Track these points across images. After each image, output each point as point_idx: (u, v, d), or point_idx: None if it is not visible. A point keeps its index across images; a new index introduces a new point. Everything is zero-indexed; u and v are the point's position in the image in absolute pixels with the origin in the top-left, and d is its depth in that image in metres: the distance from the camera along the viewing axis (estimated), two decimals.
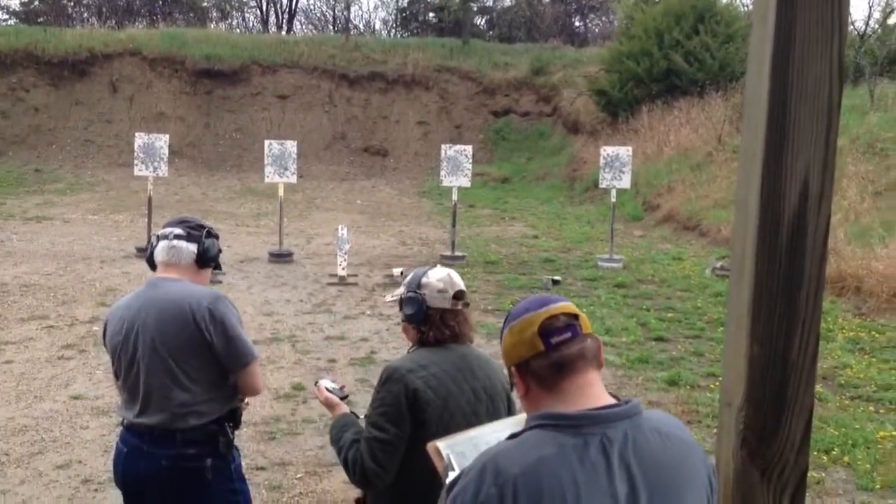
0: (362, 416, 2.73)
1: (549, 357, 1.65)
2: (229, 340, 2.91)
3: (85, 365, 7.17)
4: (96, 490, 4.77)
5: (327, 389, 2.81)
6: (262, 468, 5.13)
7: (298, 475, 5.10)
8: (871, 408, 6.40)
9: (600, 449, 1.54)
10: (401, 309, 2.73)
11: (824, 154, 1.89)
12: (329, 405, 2.80)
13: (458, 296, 2.68)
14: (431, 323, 2.64)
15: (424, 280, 2.69)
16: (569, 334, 1.67)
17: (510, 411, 2.75)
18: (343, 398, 2.81)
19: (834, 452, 5.42)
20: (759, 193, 1.88)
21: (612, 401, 1.65)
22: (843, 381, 7.05)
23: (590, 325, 1.74)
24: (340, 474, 5.05)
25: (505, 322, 1.78)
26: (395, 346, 8.10)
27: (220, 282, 10.10)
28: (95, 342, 7.82)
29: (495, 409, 2.66)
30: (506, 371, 1.78)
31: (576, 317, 1.71)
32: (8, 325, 8.46)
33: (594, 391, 1.65)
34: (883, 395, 6.68)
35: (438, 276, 2.70)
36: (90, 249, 13.23)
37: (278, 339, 8.23)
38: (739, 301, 1.95)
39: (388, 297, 2.86)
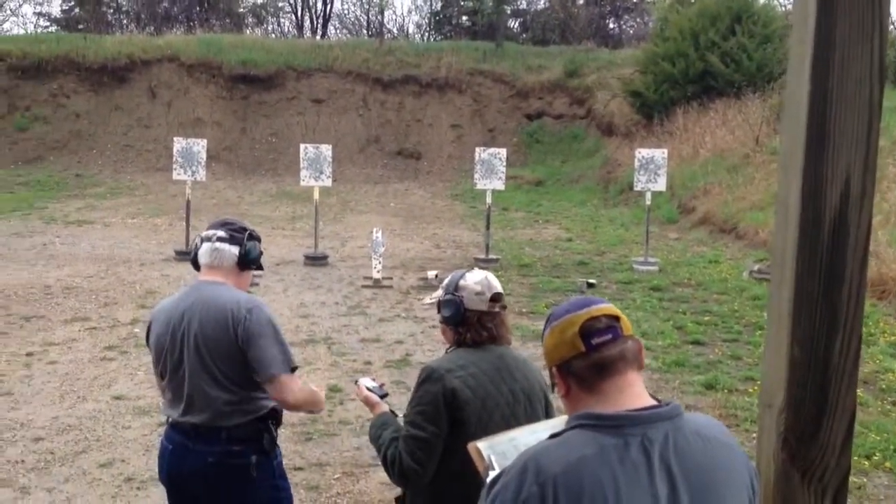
0: (401, 416, 2.76)
1: (589, 358, 1.66)
2: (258, 351, 2.93)
3: (126, 366, 7.30)
4: (139, 488, 4.86)
5: (367, 388, 2.85)
6: (300, 468, 5.18)
7: (336, 476, 5.15)
8: None
9: (641, 449, 1.55)
10: (439, 311, 2.76)
11: (865, 155, 1.88)
12: (369, 404, 2.84)
13: (496, 298, 2.71)
14: (469, 325, 2.67)
15: (462, 283, 2.73)
16: (609, 336, 1.68)
17: (548, 412, 2.76)
18: (382, 397, 2.85)
19: (875, 458, 5.35)
20: (800, 194, 1.88)
21: (653, 402, 1.66)
22: (884, 386, 6.95)
23: (630, 327, 1.75)
24: (377, 475, 5.09)
25: (546, 323, 1.80)
26: (430, 349, 8.13)
27: (256, 284, 10.22)
28: (137, 343, 7.96)
29: (533, 410, 2.68)
30: (546, 371, 1.79)
31: (617, 318, 1.72)
32: (52, 326, 8.64)
33: (635, 392, 1.66)
34: None
35: (476, 279, 2.73)
36: (130, 252, 13.45)
37: (314, 342, 8.30)
38: (780, 303, 1.95)
39: (427, 300, 2.90)
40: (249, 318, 2.93)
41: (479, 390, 2.57)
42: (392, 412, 2.82)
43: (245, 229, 3.14)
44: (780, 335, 1.92)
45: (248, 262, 3.11)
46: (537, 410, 2.70)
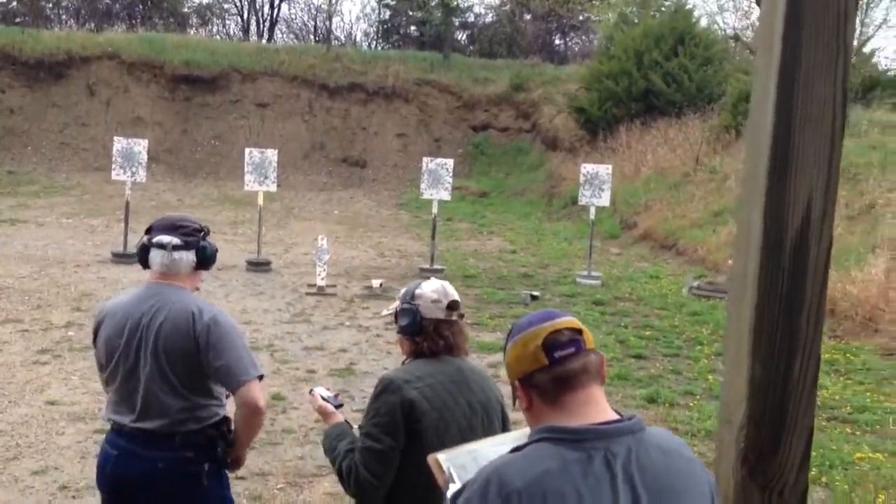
0: (356, 426, 2.73)
1: (552, 371, 1.66)
2: (223, 359, 2.87)
3: (60, 370, 7.08)
4: (73, 497, 4.70)
5: (322, 398, 2.81)
6: (242, 478, 5.07)
7: (279, 485, 5.06)
8: (848, 429, 6.48)
9: (604, 463, 1.55)
10: (396, 321, 2.74)
11: (827, 178, 1.92)
12: (323, 413, 2.79)
13: (453, 306, 2.70)
14: (426, 334, 2.66)
15: (418, 291, 2.72)
16: (572, 349, 1.68)
17: (504, 425, 2.76)
18: (337, 407, 2.81)
19: (812, 473, 5.48)
20: (762, 216, 1.91)
21: (615, 416, 1.66)
22: (819, 403, 7.12)
23: (593, 341, 1.75)
24: (321, 485, 5.02)
25: (509, 335, 1.79)
26: (375, 358, 8.09)
27: (197, 289, 10.00)
28: (71, 347, 7.73)
29: (490, 423, 2.67)
30: (509, 384, 1.78)
31: (580, 332, 1.72)
32: None
33: (597, 406, 1.66)
34: (858, 416, 6.77)
35: (432, 287, 2.73)
36: (65, 253, 13.07)
37: (257, 349, 8.16)
38: (740, 321, 1.97)
39: (385, 312, 2.88)
40: (214, 327, 2.87)
41: (437, 402, 2.56)
42: (346, 422, 2.78)
43: (199, 230, 3.07)
44: (741, 353, 1.94)
45: (206, 263, 3.05)
46: (494, 423, 2.69)
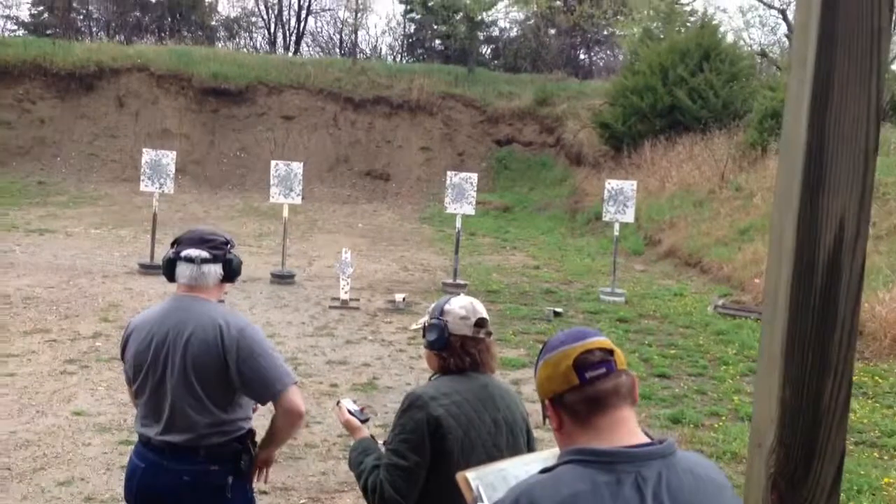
0: (381, 442, 2.72)
1: (583, 392, 1.64)
2: (259, 370, 2.90)
3: (87, 381, 7.14)
4: None
5: (349, 411, 2.81)
6: (265, 493, 5.07)
7: (301, 501, 5.06)
8: (876, 453, 6.38)
9: (634, 487, 1.53)
10: (424, 336, 2.74)
11: (861, 196, 1.89)
12: (350, 427, 2.80)
13: (480, 323, 2.70)
14: (452, 349, 2.66)
15: (447, 307, 2.72)
16: (604, 369, 1.67)
17: (529, 444, 2.75)
18: (364, 421, 2.81)
19: (840, 498, 5.39)
20: (795, 235, 1.89)
21: (646, 439, 1.64)
22: (850, 425, 7.02)
23: (625, 361, 1.74)
24: (344, 501, 5.02)
25: (540, 354, 1.78)
26: (398, 373, 8.09)
27: (222, 301, 10.07)
28: (98, 358, 7.80)
29: (515, 441, 2.66)
30: (536, 402, 1.77)
31: (611, 352, 1.71)
32: (10, 337, 8.43)
33: (628, 428, 1.64)
34: (887, 440, 6.65)
35: (461, 304, 2.73)
36: (93, 264, 13.21)
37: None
38: (772, 343, 1.95)
39: (414, 326, 2.88)
40: (242, 340, 2.89)
41: (462, 419, 2.55)
42: (372, 437, 2.78)
43: (226, 243, 3.09)
44: (772, 375, 1.92)
45: (231, 275, 3.07)
46: (519, 441, 2.68)
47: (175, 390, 2.90)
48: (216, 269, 3.01)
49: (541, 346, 1.81)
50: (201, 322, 2.91)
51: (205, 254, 2.99)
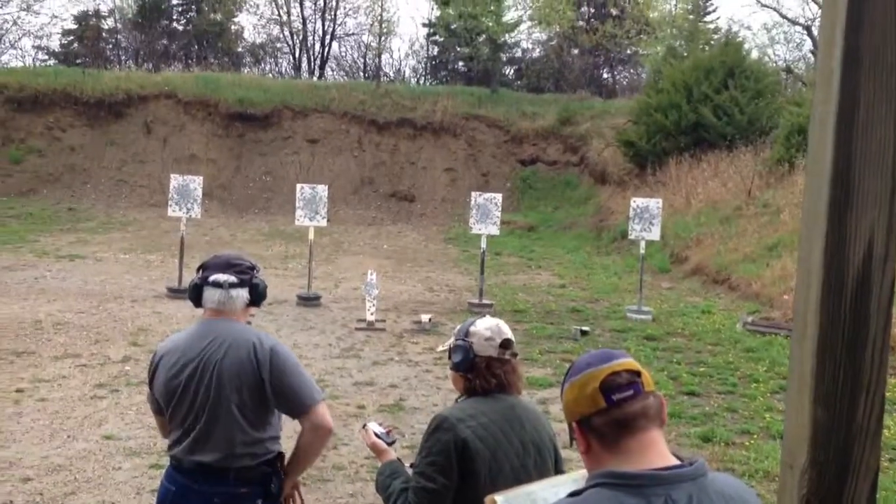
0: (408, 464, 2.73)
1: (610, 414, 1.64)
2: (291, 386, 2.95)
3: (117, 405, 7.20)
4: None
5: (375, 434, 2.82)
6: None
7: None
8: None
9: None
10: (450, 358, 2.75)
11: (889, 215, 1.89)
12: (376, 450, 2.81)
13: (506, 345, 2.71)
14: (478, 371, 2.66)
15: (472, 329, 2.72)
16: (631, 391, 1.66)
17: (557, 465, 2.74)
18: (390, 444, 2.82)
19: None
20: (823, 254, 1.88)
21: (676, 461, 1.63)
22: (883, 442, 6.91)
23: (652, 383, 1.73)
24: None
25: (566, 376, 1.77)
26: (424, 394, 8.08)
27: (249, 323, 10.14)
28: (128, 382, 7.88)
29: (543, 463, 2.65)
30: (562, 423, 1.77)
31: (638, 374, 1.70)
32: (42, 362, 8.54)
33: (657, 450, 1.64)
34: None
35: (486, 325, 2.74)
36: (122, 288, 13.36)
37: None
38: (802, 362, 1.94)
39: (440, 347, 2.89)
40: (275, 356, 2.95)
41: (490, 441, 2.55)
42: (399, 460, 2.78)
43: (252, 267, 3.13)
44: (803, 395, 1.90)
45: (258, 299, 3.12)
46: (547, 462, 2.67)
47: (210, 411, 2.93)
48: (243, 294, 3.06)
49: (567, 367, 1.80)
50: (235, 341, 2.96)
51: (232, 278, 3.04)
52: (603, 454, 1.64)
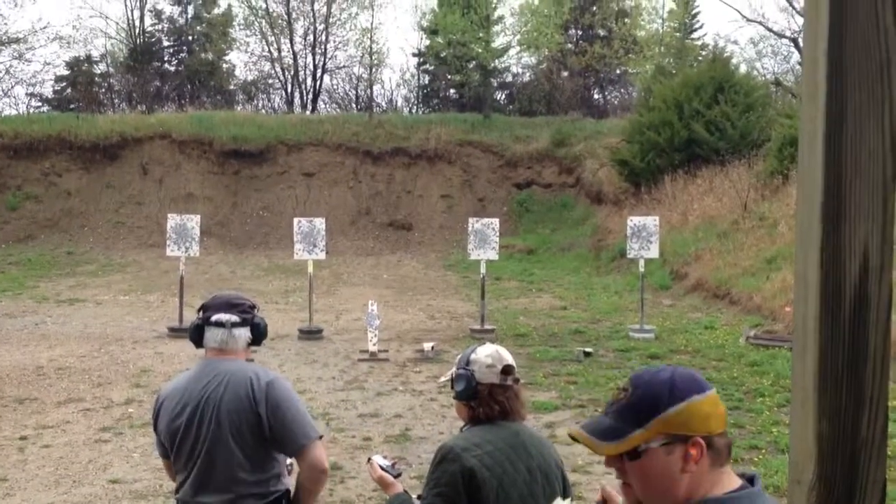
0: (415, 496, 2.71)
1: (725, 437, 1.64)
2: (285, 422, 2.93)
3: (122, 448, 7.17)
4: None
5: (381, 467, 2.80)
6: None
7: None
8: None
9: None
10: (452, 388, 2.74)
11: (882, 226, 1.90)
12: (383, 483, 2.79)
13: (507, 370, 2.70)
14: (481, 399, 2.66)
15: (473, 356, 2.72)
16: None
17: (566, 490, 2.72)
18: (396, 476, 2.80)
19: None
20: (819, 269, 1.89)
21: (740, 481, 1.65)
22: (889, 453, 6.88)
23: None
24: None
25: (683, 388, 1.61)
26: (430, 423, 8.04)
27: (251, 360, 10.10)
28: (131, 424, 7.84)
29: (550, 488, 2.64)
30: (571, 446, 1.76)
31: None
32: (45, 408, 8.50)
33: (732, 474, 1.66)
34: None
35: (487, 353, 2.73)
36: (122, 330, 13.34)
37: (312, 418, 8.17)
38: (804, 377, 1.93)
39: (442, 379, 2.89)
40: (272, 391, 2.94)
41: (496, 469, 2.54)
42: (406, 492, 2.77)
43: (253, 307, 3.15)
44: (807, 410, 1.90)
45: (259, 338, 3.13)
46: (555, 488, 2.66)
47: (210, 450, 2.92)
48: (245, 333, 3.07)
49: (669, 374, 1.61)
50: (233, 377, 2.96)
51: (235, 318, 3.05)
52: (703, 475, 1.57)
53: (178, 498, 3.02)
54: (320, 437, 3.02)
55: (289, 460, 3.11)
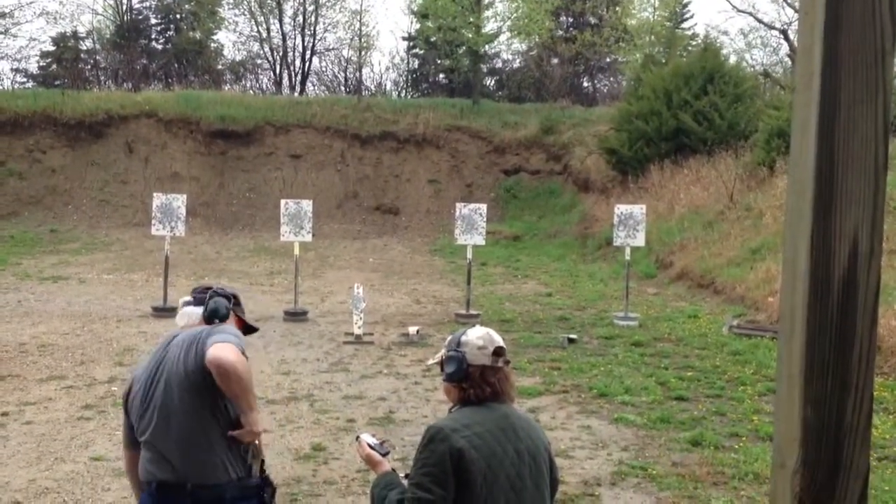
0: (402, 475, 2.72)
1: None
2: (210, 340, 2.92)
3: (104, 426, 7.14)
4: None
5: (369, 445, 2.80)
6: None
7: None
8: None
9: None
10: (442, 370, 2.74)
11: (873, 213, 1.90)
12: (371, 462, 2.79)
13: (498, 352, 2.71)
14: (472, 380, 2.66)
15: (464, 338, 2.73)
16: None
17: (552, 473, 2.74)
18: (384, 455, 2.80)
19: None
20: (809, 255, 1.90)
21: None
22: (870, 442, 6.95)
23: None
24: None
25: None
26: (414, 406, 8.06)
27: None
28: (115, 402, 7.81)
29: (538, 471, 2.65)
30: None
31: None
32: (27, 385, 8.46)
33: None
34: None
35: (478, 334, 2.74)
36: (106, 309, 13.27)
37: (296, 399, 8.19)
38: (790, 362, 1.95)
39: (431, 360, 2.89)
40: (211, 331, 2.97)
41: (485, 450, 2.54)
42: (394, 471, 2.77)
43: (209, 289, 3.30)
44: (792, 395, 1.91)
45: (212, 317, 3.16)
46: (542, 470, 2.67)
47: (162, 418, 2.96)
48: (196, 310, 3.25)
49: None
50: (184, 339, 3.01)
51: (187, 298, 3.32)
52: None
53: (144, 480, 3.02)
54: (229, 342, 2.87)
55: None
